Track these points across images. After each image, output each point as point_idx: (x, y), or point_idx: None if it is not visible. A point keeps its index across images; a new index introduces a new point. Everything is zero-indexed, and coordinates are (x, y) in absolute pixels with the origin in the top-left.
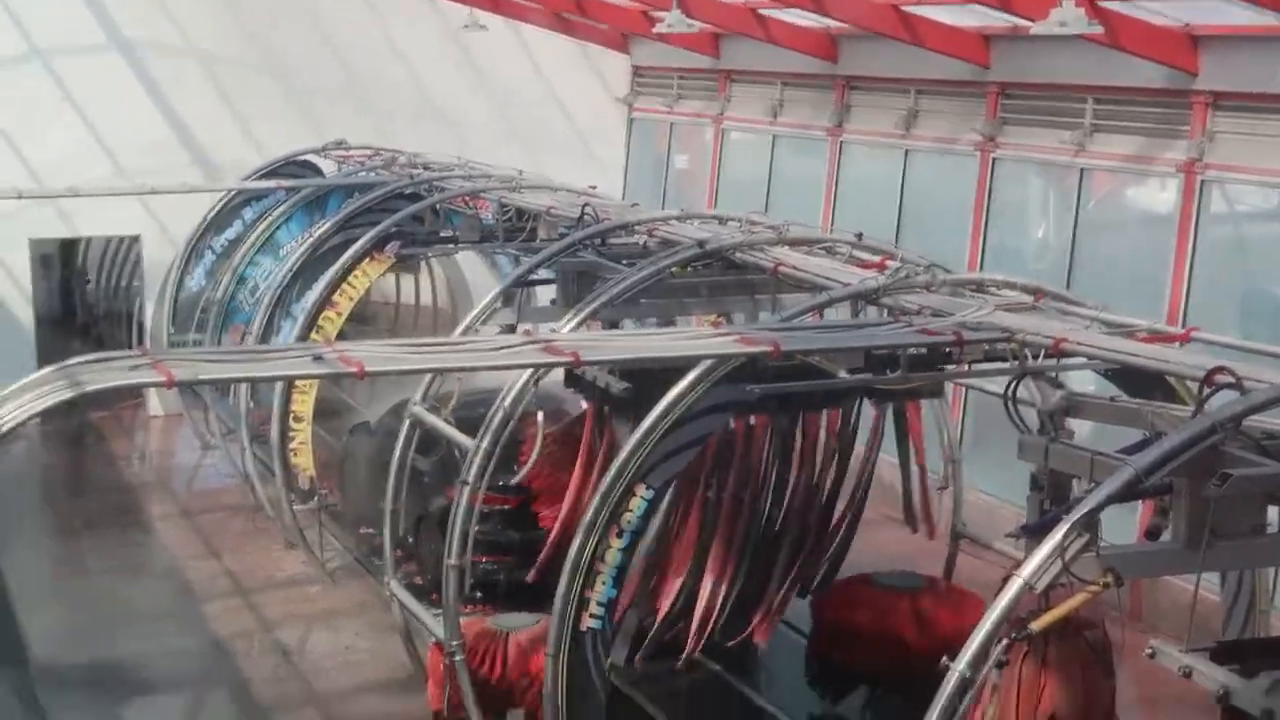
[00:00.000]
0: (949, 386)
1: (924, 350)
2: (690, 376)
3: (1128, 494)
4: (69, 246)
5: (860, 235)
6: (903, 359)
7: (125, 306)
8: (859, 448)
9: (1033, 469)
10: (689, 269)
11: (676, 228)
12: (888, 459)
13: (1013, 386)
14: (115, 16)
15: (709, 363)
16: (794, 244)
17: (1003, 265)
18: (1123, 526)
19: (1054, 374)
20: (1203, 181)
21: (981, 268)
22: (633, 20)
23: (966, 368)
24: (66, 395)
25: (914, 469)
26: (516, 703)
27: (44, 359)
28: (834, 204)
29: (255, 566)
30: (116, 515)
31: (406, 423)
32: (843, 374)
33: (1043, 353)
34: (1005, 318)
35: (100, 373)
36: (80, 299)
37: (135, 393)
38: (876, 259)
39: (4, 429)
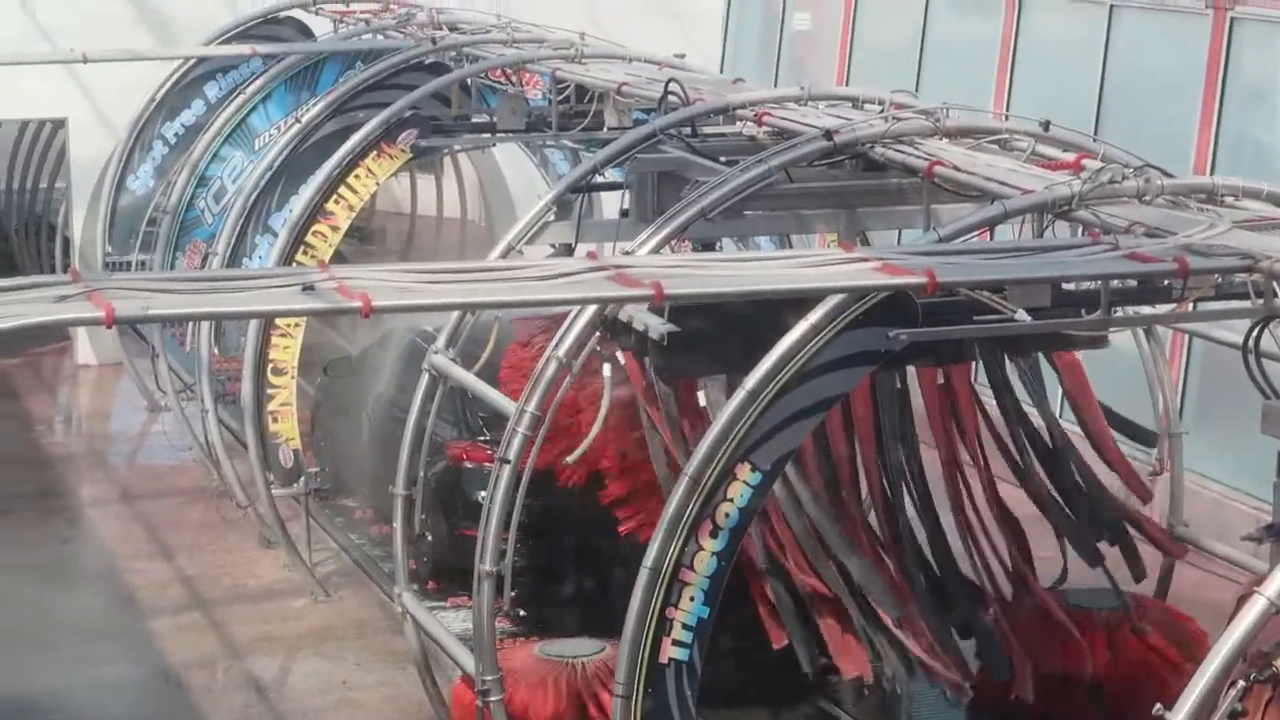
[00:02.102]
0: (1166, 334)
1: (1133, 282)
2: (813, 317)
3: None
4: None
5: (1047, 124)
6: (1103, 295)
7: (46, 215)
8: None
9: None
10: (812, 169)
11: (795, 113)
12: (1077, 431)
13: (1256, 333)
14: None
15: (838, 299)
16: (955, 136)
17: (1243, 166)
18: None
19: None
20: None
21: (1213, 171)
22: None
23: (1191, 307)
24: None
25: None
26: None
27: None
28: (1010, 82)
29: (220, 571)
30: (34, 499)
31: (425, 376)
32: (1022, 315)
33: None
34: (1247, 238)
35: (13, 305)
36: None
37: (60, 333)
38: (1069, 157)
39: None
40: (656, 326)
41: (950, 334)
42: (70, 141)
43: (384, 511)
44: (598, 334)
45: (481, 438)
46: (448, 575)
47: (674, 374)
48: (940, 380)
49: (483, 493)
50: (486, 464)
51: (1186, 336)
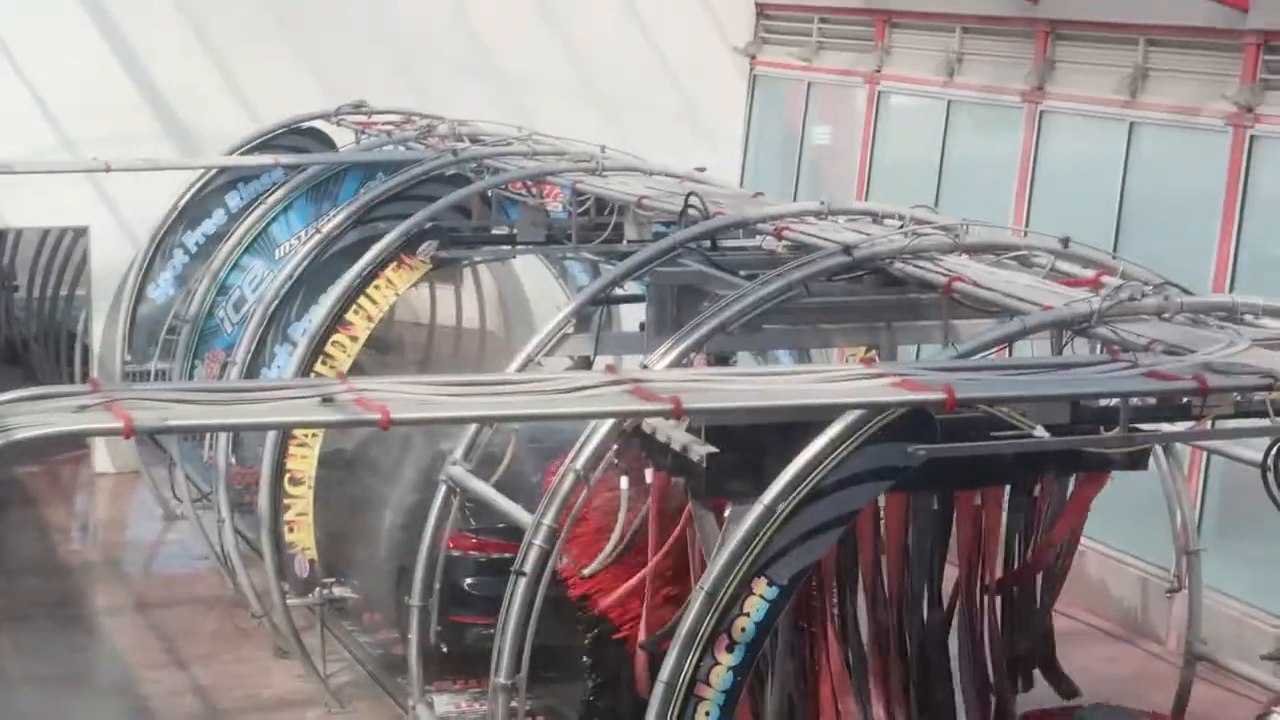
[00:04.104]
0: (1185, 452)
1: (1153, 400)
2: (831, 432)
3: None
4: None
5: (1066, 240)
6: (1123, 412)
7: (66, 323)
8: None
9: None
10: (831, 283)
11: (814, 227)
12: (1095, 547)
13: (1275, 452)
14: None
15: (857, 414)
16: (975, 251)
17: (1263, 284)
18: None
19: None
20: None
21: (1233, 288)
22: None
23: (1210, 425)
24: None
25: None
26: None
27: None
28: (1029, 197)
29: (234, 680)
30: (51, 607)
31: (442, 488)
32: (1040, 432)
33: None
34: (1266, 357)
35: (34, 415)
36: (4, 311)
37: (78, 441)
38: (1088, 274)
39: None
40: (696, 449)
41: (968, 450)
42: (91, 250)
43: (382, 608)
44: (615, 447)
45: (469, 526)
46: (434, 659)
47: (712, 495)
48: (978, 502)
49: (469, 580)
50: (472, 552)
51: (1205, 453)
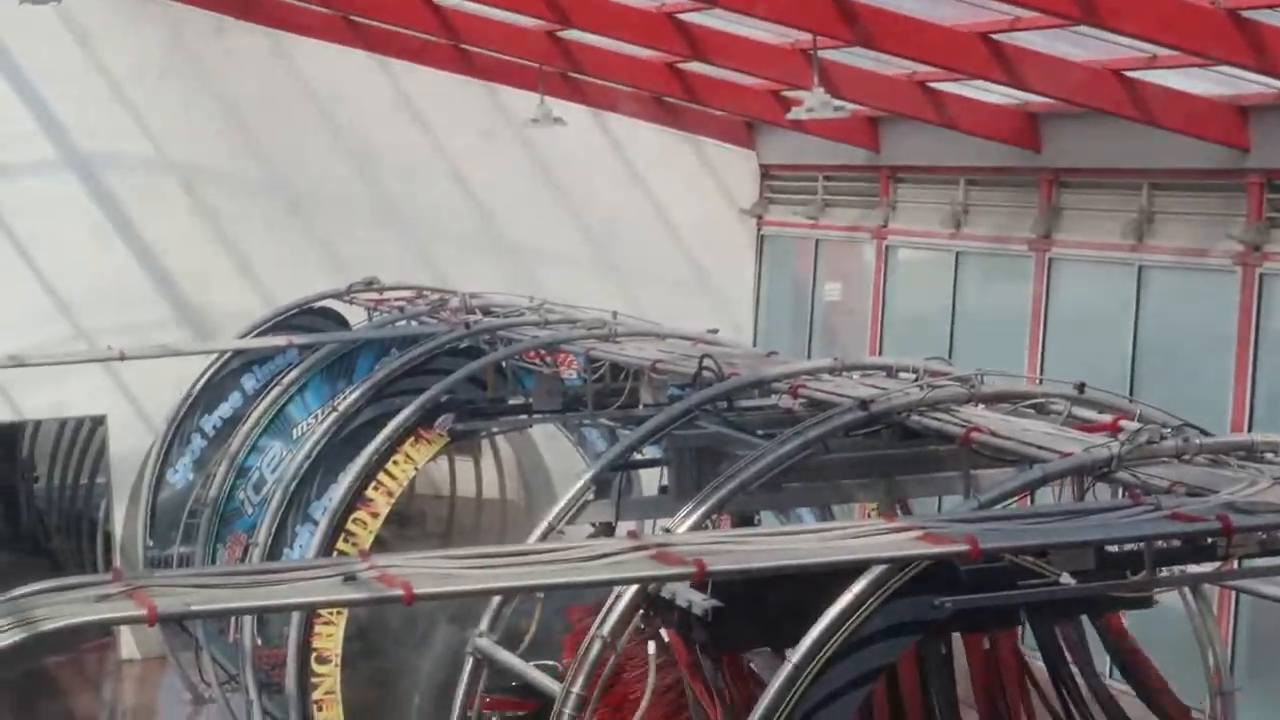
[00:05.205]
0: (1214, 591)
1: (1177, 543)
2: (856, 588)
3: None
4: (9, 433)
5: (1082, 386)
6: (1148, 556)
7: (87, 511)
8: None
9: None
10: (849, 439)
11: (829, 383)
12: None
13: None
14: (66, 121)
15: (880, 569)
16: (991, 401)
17: None
18: None
19: None
20: None
21: (1251, 426)
22: (760, 104)
23: (1237, 565)
24: (14, 638)
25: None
26: None
27: None
28: (1043, 344)
29: None
30: None
31: (470, 660)
32: (1066, 579)
33: None
34: None
35: (57, 605)
36: (26, 502)
37: (103, 630)
38: (1106, 419)
39: None
40: (700, 603)
41: (996, 600)
42: (110, 438)
43: None
44: (640, 612)
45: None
46: None
47: (720, 649)
48: (986, 645)
49: None
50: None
51: (1234, 594)
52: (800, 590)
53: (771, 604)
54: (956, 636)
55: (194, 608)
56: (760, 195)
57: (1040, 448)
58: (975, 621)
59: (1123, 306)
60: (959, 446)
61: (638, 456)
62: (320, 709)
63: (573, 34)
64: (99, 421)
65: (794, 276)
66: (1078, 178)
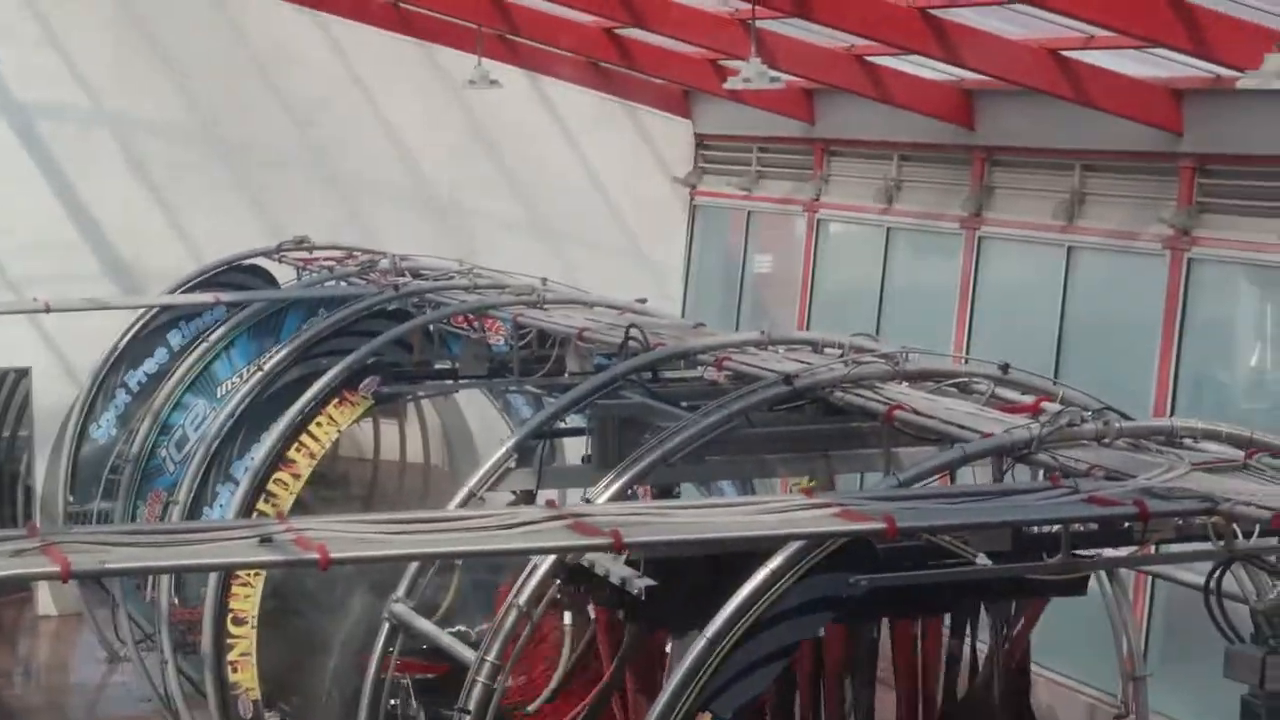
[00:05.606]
0: (1129, 577)
1: (1094, 526)
2: (773, 564)
3: None
4: None
5: (1006, 367)
6: (1064, 539)
7: (7, 465)
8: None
9: (1244, 691)
10: (773, 413)
11: (755, 357)
12: (1043, 674)
13: (1217, 576)
14: (1, 68)
15: (798, 545)
16: (915, 379)
17: (1203, 407)
18: None
19: (1275, 559)
20: None
21: (1173, 411)
22: (696, 72)
23: (1153, 550)
24: None
25: None
26: None
27: None
28: (970, 323)
29: None
30: None
31: (385, 626)
32: (983, 559)
33: (1258, 529)
34: (1206, 481)
35: None
36: None
37: (21, 586)
38: (1028, 400)
39: None
40: (635, 582)
41: (910, 579)
42: (33, 390)
43: None
44: (558, 582)
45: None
46: None
47: (653, 628)
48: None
49: (393, 701)
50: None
51: (1150, 579)
52: (734, 569)
53: (707, 584)
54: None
55: (108, 565)
56: (695, 165)
57: (962, 427)
58: (900, 605)
59: (1051, 287)
60: (881, 424)
61: (561, 425)
62: (235, 670)
63: None
64: (23, 374)
65: (725, 247)
66: (1010, 156)
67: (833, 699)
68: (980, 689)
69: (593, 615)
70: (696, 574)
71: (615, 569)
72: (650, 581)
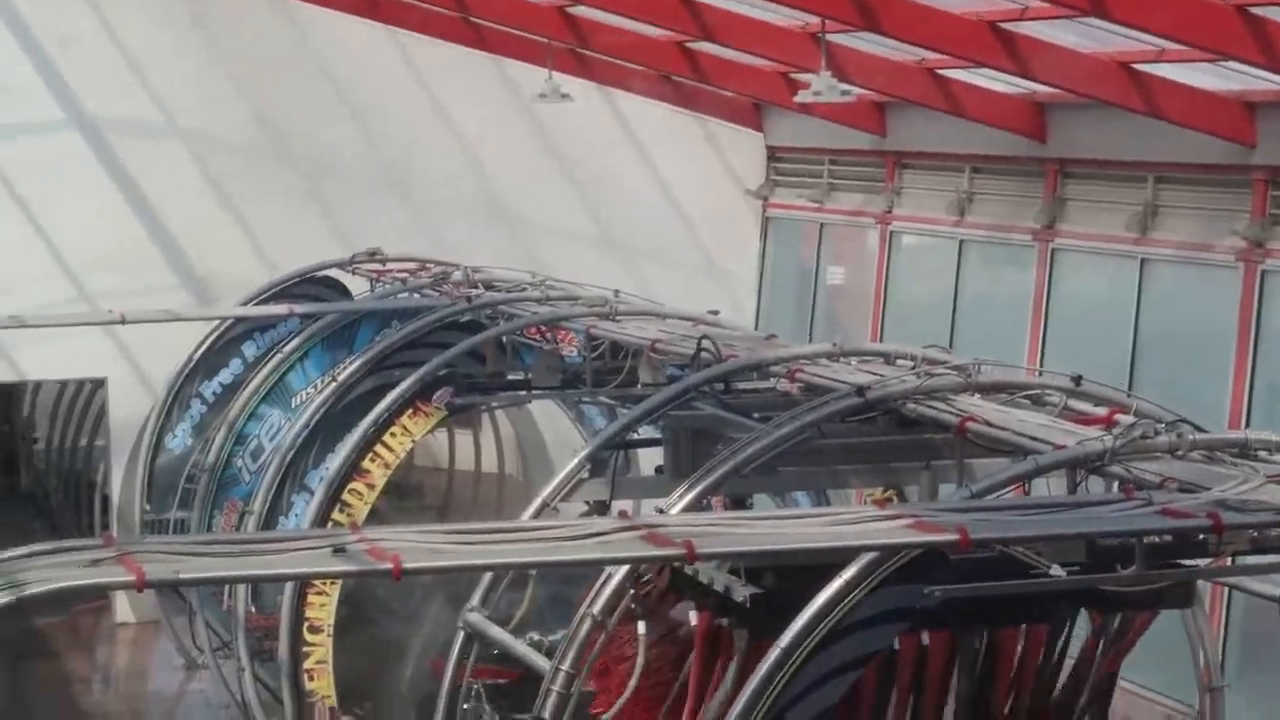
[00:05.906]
0: (1206, 588)
1: (1168, 538)
2: (846, 575)
3: None
4: (9, 394)
5: (1078, 379)
6: (1138, 551)
7: (85, 474)
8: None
9: None
10: (845, 425)
11: (827, 369)
12: (1120, 684)
13: None
14: (74, 84)
15: (871, 556)
16: (988, 391)
17: (1278, 419)
18: None
19: None
20: None
21: (1247, 424)
22: (767, 85)
23: (1229, 562)
24: (2, 600)
25: None
26: None
27: None
28: (1043, 335)
29: None
30: None
31: (460, 635)
32: (1056, 571)
33: None
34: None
35: (48, 569)
36: (25, 464)
37: (99, 594)
38: (1102, 412)
39: None
40: (738, 587)
41: (984, 590)
42: (110, 401)
43: None
44: (631, 591)
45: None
46: None
47: (757, 636)
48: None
49: (465, 705)
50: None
51: (1226, 591)
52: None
53: (801, 592)
54: None
55: (182, 575)
56: (766, 177)
57: (1034, 439)
58: (1000, 616)
59: (1124, 299)
60: (954, 435)
61: (634, 436)
62: (311, 678)
63: (582, 10)
64: (99, 384)
65: (798, 259)
66: (1083, 169)
67: (932, 710)
68: (1068, 694)
69: (693, 622)
70: (794, 583)
71: (720, 577)
72: (754, 589)
